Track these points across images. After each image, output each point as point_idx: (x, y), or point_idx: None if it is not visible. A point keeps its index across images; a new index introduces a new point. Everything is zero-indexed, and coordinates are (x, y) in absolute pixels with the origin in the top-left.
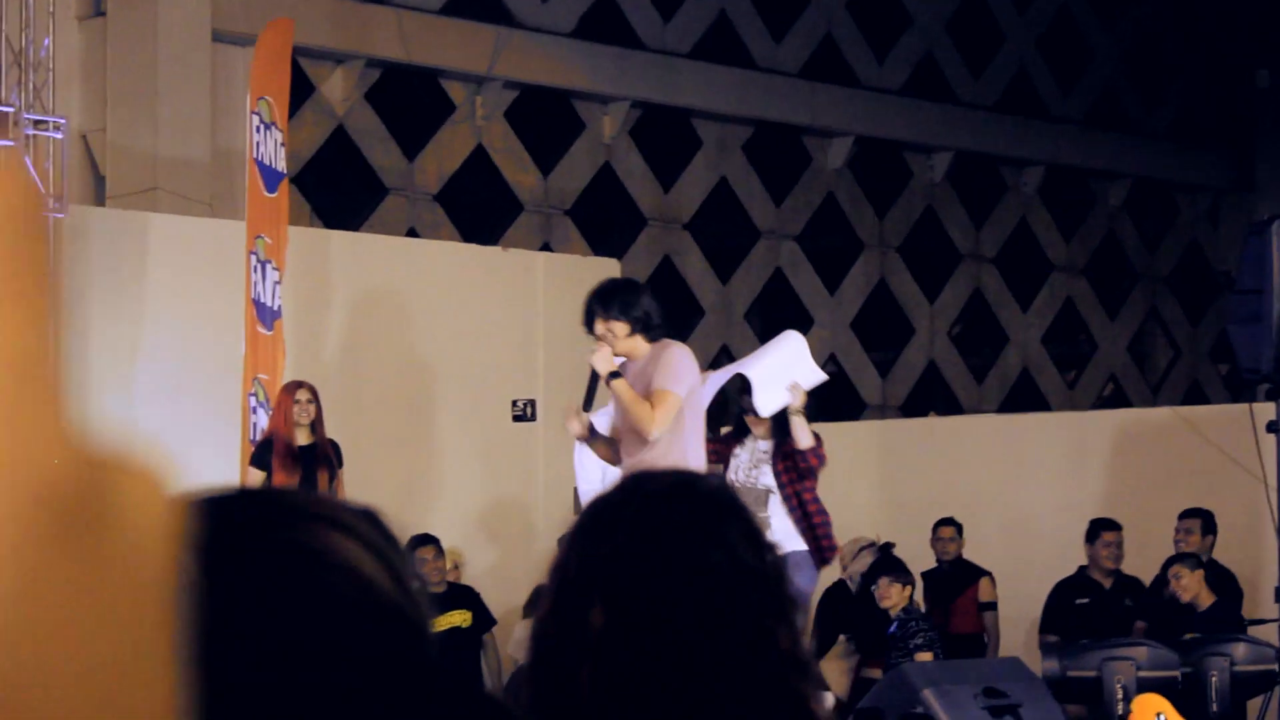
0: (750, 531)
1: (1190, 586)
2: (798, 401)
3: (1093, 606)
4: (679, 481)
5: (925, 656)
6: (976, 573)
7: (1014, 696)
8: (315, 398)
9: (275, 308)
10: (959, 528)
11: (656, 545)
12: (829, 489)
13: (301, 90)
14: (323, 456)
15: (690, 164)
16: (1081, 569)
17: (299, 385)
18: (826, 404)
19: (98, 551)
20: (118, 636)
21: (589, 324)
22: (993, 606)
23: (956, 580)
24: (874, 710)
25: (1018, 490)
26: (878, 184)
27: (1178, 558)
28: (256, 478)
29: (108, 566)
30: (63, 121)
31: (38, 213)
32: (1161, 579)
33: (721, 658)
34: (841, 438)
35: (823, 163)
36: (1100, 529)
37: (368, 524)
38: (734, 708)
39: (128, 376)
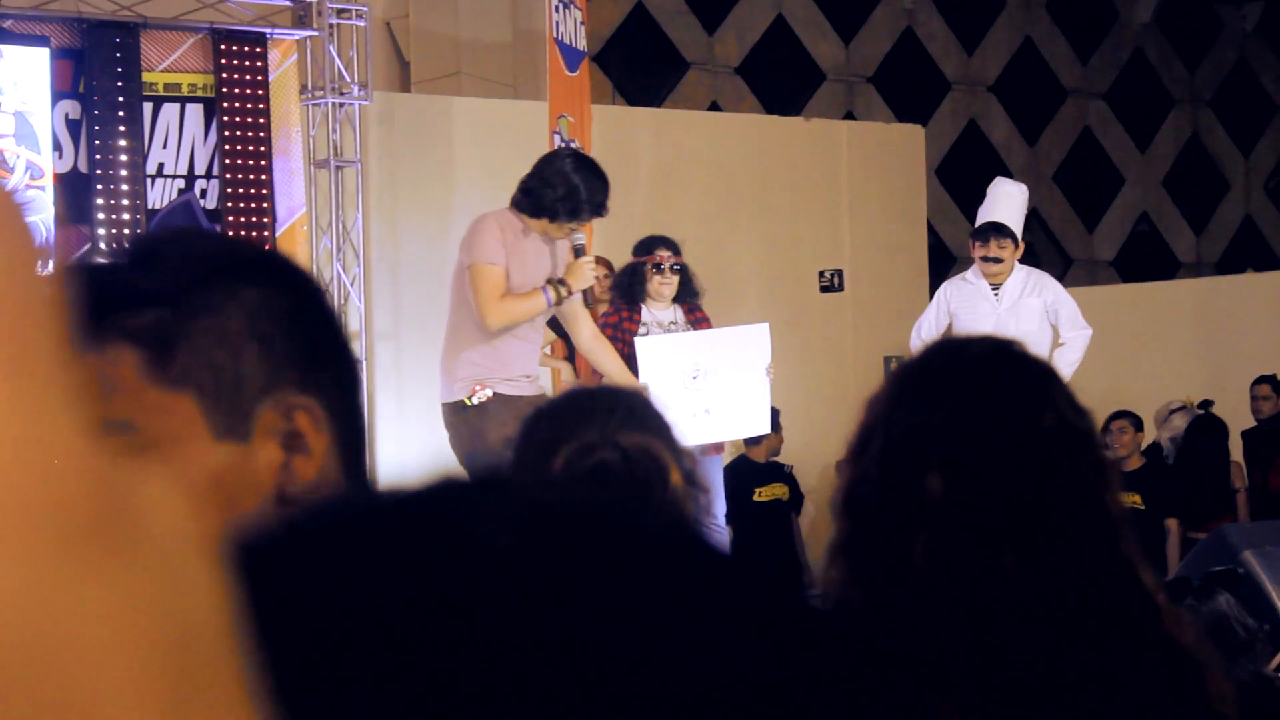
0: (1068, 393)
1: None
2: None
3: None
4: (999, 346)
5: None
6: None
7: None
8: (612, 271)
9: None
10: (1277, 385)
11: (991, 409)
12: (1145, 349)
13: None
14: None
15: (993, 25)
16: None
17: (596, 260)
18: (1141, 263)
19: (128, 569)
20: (168, 664)
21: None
22: None
23: (1276, 438)
24: (1182, 580)
25: None
26: (1187, 37)
27: None
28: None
29: (142, 585)
30: (365, 9)
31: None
32: None
33: (1054, 520)
34: (1155, 298)
35: (1130, 17)
36: None
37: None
38: (1066, 573)
39: (438, 259)
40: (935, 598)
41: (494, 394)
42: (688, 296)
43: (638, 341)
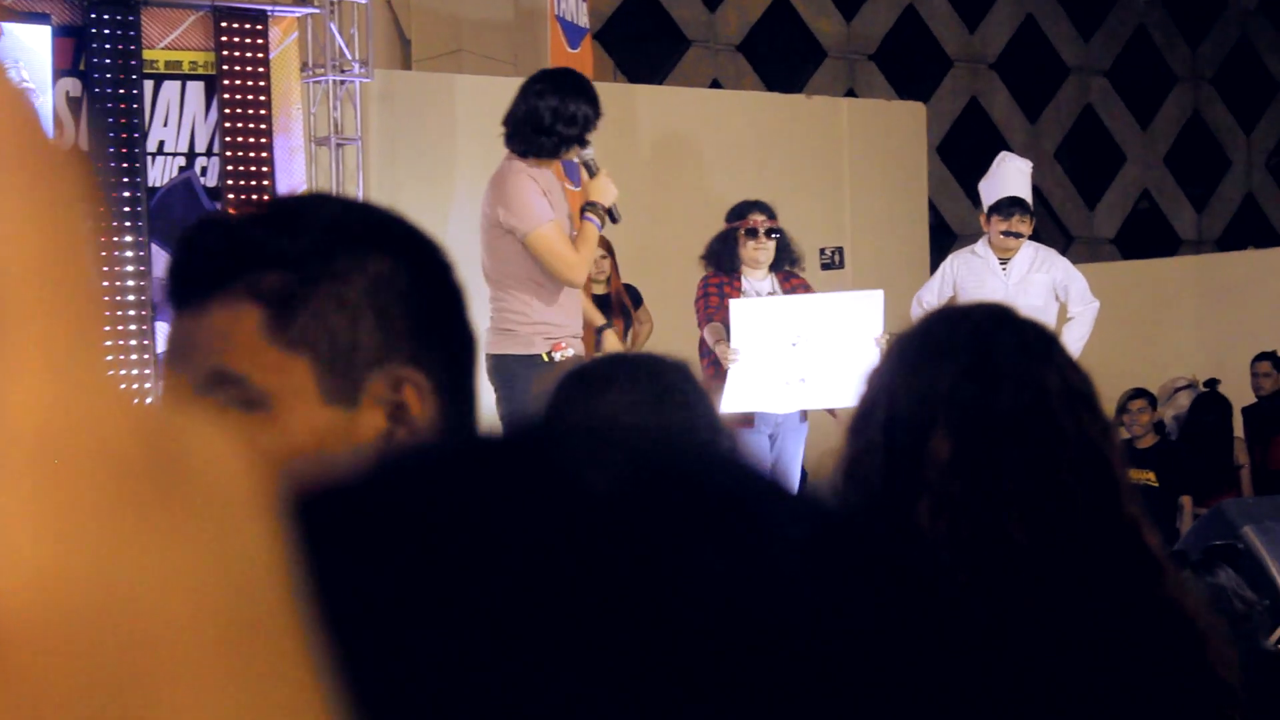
0: (1068, 357)
1: None
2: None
3: None
4: (999, 311)
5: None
6: None
7: None
8: (610, 253)
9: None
10: (1277, 362)
11: (995, 372)
12: (1146, 326)
13: None
14: (618, 305)
15: (995, 2)
16: None
17: None
18: (1142, 241)
19: (184, 520)
20: (227, 620)
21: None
22: None
23: (1276, 415)
24: (1180, 553)
25: None
26: (1190, 14)
27: None
28: None
29: (198, 537)
30: None
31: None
32: None
33: (1060, 480)
34: (1157, 275)
35: None
36: None
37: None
38: (1071, 533)
39: (439, 233)
40: (939, 561)
41: (574, 354)
42: (785, 264)
43: (732, 303)
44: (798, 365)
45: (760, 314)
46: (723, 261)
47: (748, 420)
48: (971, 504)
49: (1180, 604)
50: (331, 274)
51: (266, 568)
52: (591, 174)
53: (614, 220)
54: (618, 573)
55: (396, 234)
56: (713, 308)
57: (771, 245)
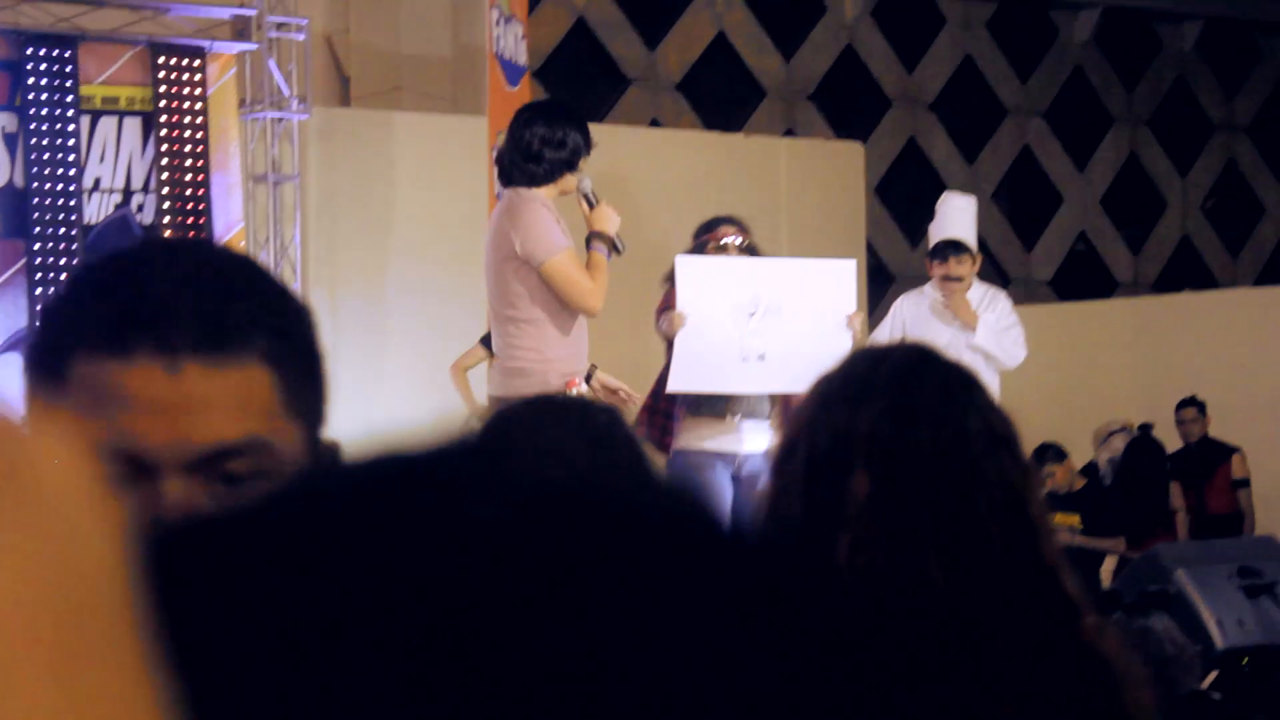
0: (989, 399)
1: None
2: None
3: None
4: (920, 352)
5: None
6: (1226, 451)
7: (1269, 575)
8: None
9: None
10: (1201, 407)
11: (915, 411)
12: (1082, 368)
13: None
14: None
15: (934, 42)
16: None
17: None
18: (1078, 283)
19: (21, 524)
20: (58, 621)
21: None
22: (1245, 484)
23: (1206, 460)
24: (1113, 593)
25: (1278, 366)
26: (1126, 56)
27: None
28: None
29: (35, 542)
30: (304, 23)
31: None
32: None
33: (978, 521)
34: (1093, 317)
35: (1069, 36)
36: None
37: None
38: (991, 573)
39: (376, 272)
40: (857, 599)
41: (586, 390)
42: None
43: (677, 258)
44: (757, 339)
45: (711, 273)
46: None
47: (709, 459)
48: (890, 542)
49: (1097, 646)
50: (300, 343)
51: (101, 574)
52: (591, 205)
53: (618, 251)
54: (490, 608)
55: (294, 294)
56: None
57: None
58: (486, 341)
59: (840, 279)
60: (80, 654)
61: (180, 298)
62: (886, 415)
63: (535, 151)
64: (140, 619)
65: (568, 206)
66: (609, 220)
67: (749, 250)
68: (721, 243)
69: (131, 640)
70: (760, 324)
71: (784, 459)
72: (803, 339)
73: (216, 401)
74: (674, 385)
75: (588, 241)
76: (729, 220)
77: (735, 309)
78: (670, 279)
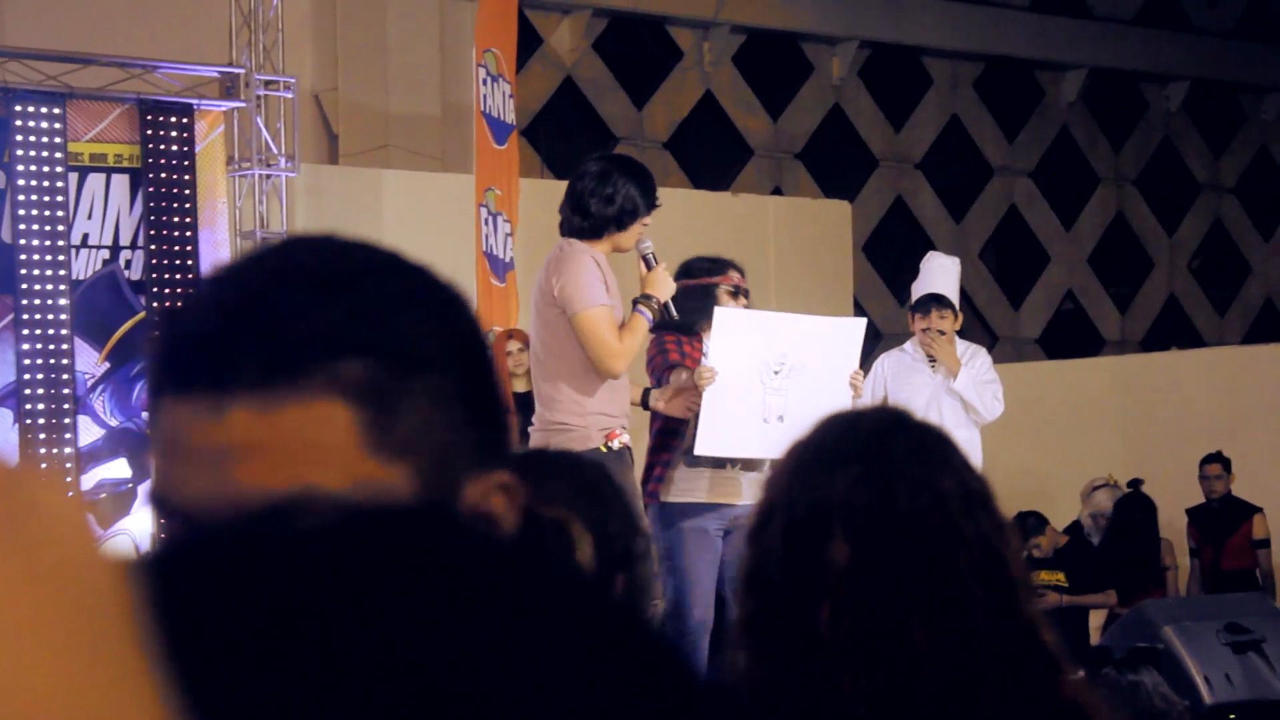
0: (964, 459)
1: None
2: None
3: None
4: (894, 415)
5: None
6: (1249, 509)
7: (1257, 632)
8: (527, 345)
9: (507, 260)
10: (1226, 463)
11: (891, 476)
12: (1069, 427)
13: (529, 42)
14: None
15: (921, 103)
16: None
17: (510, 334)
18: (1066, 341)
19: (29, 554)
20: (71, 639)
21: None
22: (1266, 544)
23: (1227, 518)
24: (1103, 649)
25: (1264, 424)
26: (1112, 116)
27: None
28: None
29: (43, 569)
30: (293, 81)
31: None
32: None
33: (958, 582)
34: (1080, 375)
35: (1055, 96)
36: None
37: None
38: (972, 633)
39: None
40: (840, 667)
41: (629, 441)
42: None
43: (717, 311)
44: (778, 398)
45: (745, 325)
46: (693, 319)
47: (700, 512)
48: (872, 608)
49: (1078, 702)
50: (422, 361)
51: (104, 598)
52: (649, 266)
53: (669, 317)
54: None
55: (455, 297)
56: (674, 361)
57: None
58: None
59: (851, 337)
60: (85, 666)
61: (242, 320)
62: (862, 481)
63: (583, 205)
64: (140, 636)
65: (627, 267)
66: (663, 285)
67: (748, 296)
68: (735, 288)
69: (134, 655)
70: (784, 382)
71: (760, 527)
72: (816, 399)
73: (269, 447)
74: (702, 448)
75: (635, 302)
76: (733, 264)
77: (762, 366)
78: (660, 328)
